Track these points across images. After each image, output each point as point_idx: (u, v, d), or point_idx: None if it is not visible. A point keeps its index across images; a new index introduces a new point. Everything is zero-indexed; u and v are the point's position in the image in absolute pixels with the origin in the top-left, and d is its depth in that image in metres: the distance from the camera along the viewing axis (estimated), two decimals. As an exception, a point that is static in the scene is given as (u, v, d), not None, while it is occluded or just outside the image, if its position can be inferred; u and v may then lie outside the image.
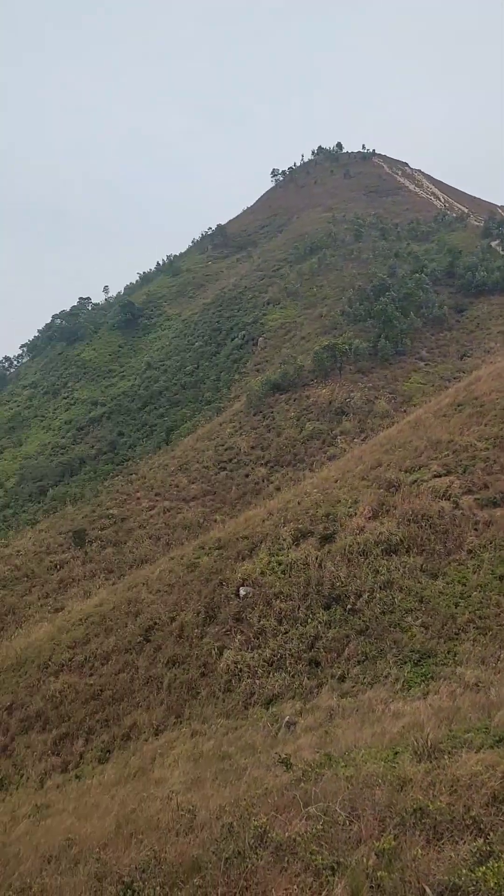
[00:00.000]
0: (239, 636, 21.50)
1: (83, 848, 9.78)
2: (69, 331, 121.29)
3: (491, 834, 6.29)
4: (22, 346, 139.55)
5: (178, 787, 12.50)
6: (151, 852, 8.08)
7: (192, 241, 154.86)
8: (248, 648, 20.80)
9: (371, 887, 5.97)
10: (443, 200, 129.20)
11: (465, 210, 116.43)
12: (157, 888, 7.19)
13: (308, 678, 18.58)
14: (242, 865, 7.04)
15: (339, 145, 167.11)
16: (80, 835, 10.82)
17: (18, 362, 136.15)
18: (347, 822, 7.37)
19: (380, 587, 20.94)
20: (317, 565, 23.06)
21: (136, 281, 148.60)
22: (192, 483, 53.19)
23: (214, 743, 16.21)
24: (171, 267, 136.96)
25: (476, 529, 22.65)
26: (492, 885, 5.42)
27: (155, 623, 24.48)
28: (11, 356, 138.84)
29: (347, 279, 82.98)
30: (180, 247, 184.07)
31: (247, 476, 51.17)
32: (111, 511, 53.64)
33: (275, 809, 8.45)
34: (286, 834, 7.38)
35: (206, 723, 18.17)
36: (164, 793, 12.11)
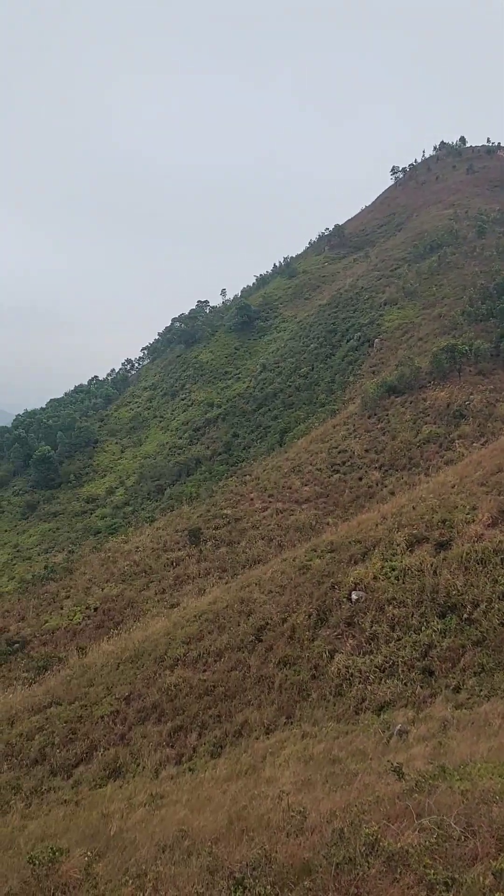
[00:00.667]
0: (350, 640, 21.35)
1: (196, 840, 10.07)
2: (187, 333, 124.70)
3: None
4: (143, 348, 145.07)
5: (288, 788, 12.61)
6: (262, 851, 8.21)
7: (309, 243, 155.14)
8: (359, 653, 20.62)
9: (486, 907, 5.82)
10: None
11: None
12: (268, 887, 7.31)
13: (421, 687, 18.18)
14: (353, 872, 7.04)
15: (463, 139, 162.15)
16: (192, 827, 11.15)
17: (139, 364, 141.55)
18: (462, 838, 7.19)
19: (498, 597, 20.15)
20: (432, 572, 22.52)
21: (253, 283, 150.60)
22: (305, 485, 53.27)
23: (325, 746, 16.19)
24: (287, 269, 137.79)
25: None
26: None
27: (267, 623, 24.75)
28: (133, 358, 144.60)
29: (469, 277, 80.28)
30: (298, 248, 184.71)
31: (360, 479, 50.66)
32: (225, 511, 54.67)
33: (386, 818, 8.37)
34: (398, 844, 7.30)
35: (317, 725, 18.18)
36: (274, 792, 12.25)
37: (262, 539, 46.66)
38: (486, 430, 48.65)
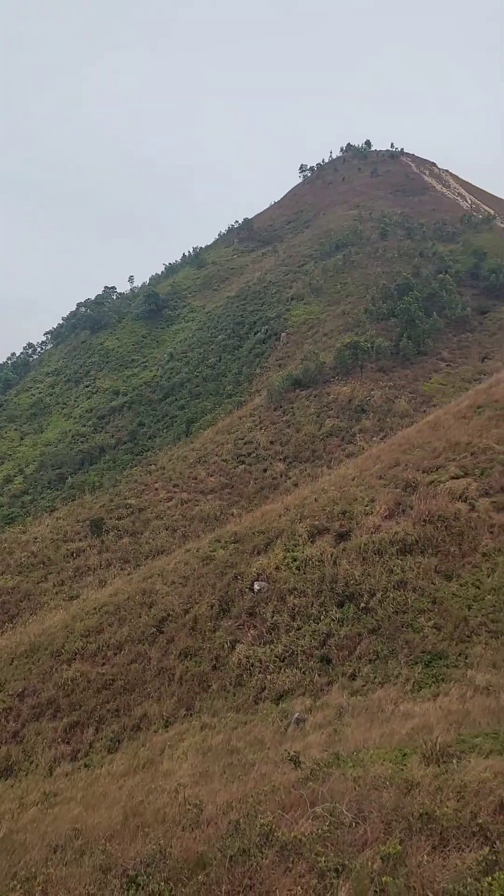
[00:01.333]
0: (252, 631, 21.55)
1: (89, 839, 9.86)
2: (93, 319, 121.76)
3: (497, 843, 6.24)
4: (46, 333, 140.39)
5: (185, 781, 12.57)
6: (157, 846, 8.12)
7: (219, 234, 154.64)
8: (260, 643, 20.85)
9: (375, 892, 5.96)
10: (469, 201, 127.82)
11: (492, 212, 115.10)
12: (162, 883, 7.23)
13: (319, 675, 18.59)
14: (247, 864, 7.06)
15: (368, 143, 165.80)
16: (86, 825, 10.91)
17: (42, 349, 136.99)
18: (353, 824, 7.36)
19: (393, 587, 20.87)
20: (332, 563, 23.04)
21: (162, 272, 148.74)
22: (211, 476, 53.29)
23: (224, 737, 16.27)
24: (196, 259, 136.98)
25: (491, 532, 22.49)
26: None
27: (168, 615, 24.60)
28: (35, 343, 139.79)
29: (372, 277, 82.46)
30: (206, 239, 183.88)
31: (265, 471, 51.18)
32: (129, 501, 53.91)
33: (281, 808, 8.46)
34: (292, 833, 7.38)
35: (217, 716, 18.25)
36: (171, 785, 12.18)
37: (167, 529, 46.36)
38: (385, 425, 50.21)
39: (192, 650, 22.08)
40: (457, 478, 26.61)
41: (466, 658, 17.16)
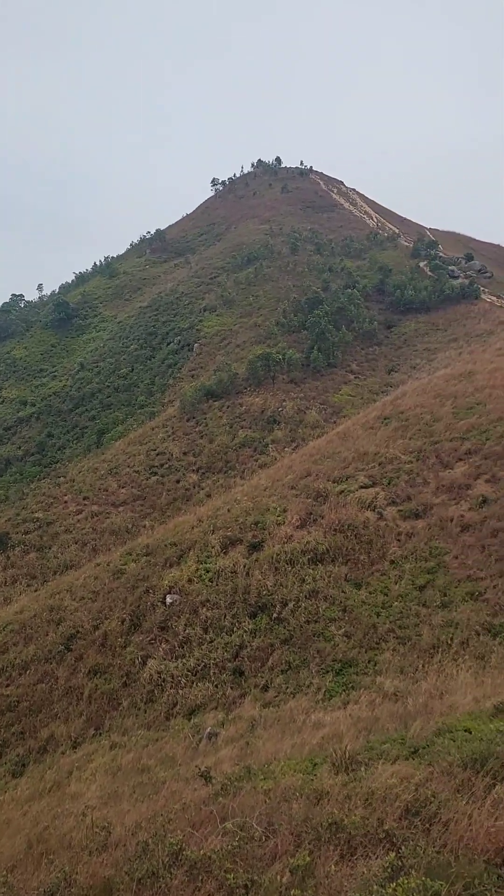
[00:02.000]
0: (164, 645, 21.25)
1: (-10, 870, 9.38)
2: (0, 327, 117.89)
3: (403, 848, 6.33)
4: None
5: (94, 803, 12.20)
6: (62, 873, 7.81)
7: (131, 244, 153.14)
8: (172, 658, 20.57)
9: (283, 906, 5.92)
10: (375, 220, 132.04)
11: (396, 230, 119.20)
12: (66, 912, 6.95)
13: (231, 688, 18.51)
14: (156, 886, 6.89)
15: (279, 160, 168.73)
16: (-13, 855, 10.40)
17: None
18: (263, 838, 7.31)
19: (305, 596, 21.10)
20: (244, 573, 23.06)
21: (72, 281, 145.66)
22: (122, 487, 52.43)
23: (134, 755, 15.92)
24: (108, 268, 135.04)
25: (399, 540, 23.13)
26: (402, 901, 5.44)
27: (77, 631, 23.92)
28: None
29: (283, 291, 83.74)
30: (118, 249, 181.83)
31: (178, 482, 50.82)
32: (36, 515, 52.25)
33: (191, 825, 8.32)
34: (201, 851, 7.26)
35: (127, 734, 17.85)
36: (79, 808, 11.79)
37: (76, 543, 45.19)
38: (296, 436, 50.95)
39: (102, 667, 21.54)
40: (366, 487, 27.28)
41: (375, 665, 17.51)
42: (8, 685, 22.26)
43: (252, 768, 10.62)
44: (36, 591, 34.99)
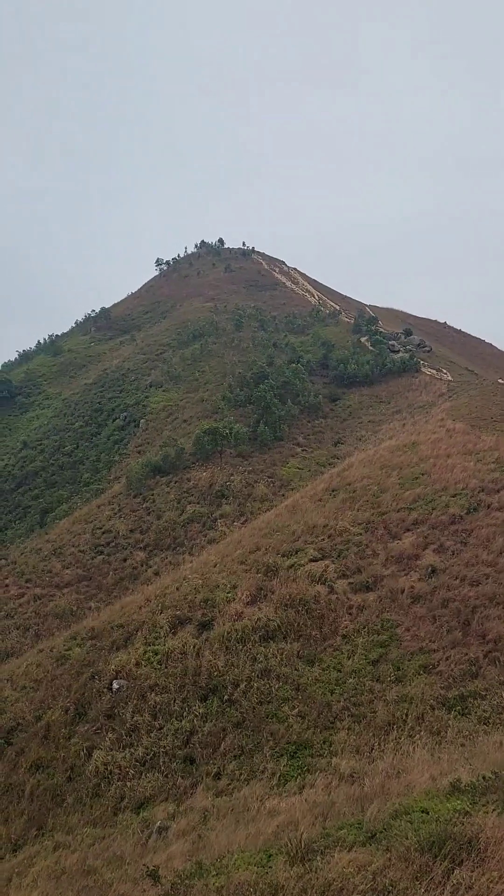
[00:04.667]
0: (110, 734, 20.30)
1: None
2: None
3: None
4: None
5: (34, 914, 11.30)
6: None
7: (76, 322, 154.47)
8: (119, 747, 19.64)
9: None
10: (317, 297, 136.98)
11: (337, 307, 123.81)
12: None
13: (182, 777, 17.72)
14: None
15: (221, 241, 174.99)
16: None
17: None
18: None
19: (257, 675, 20.62)
20: (194, 654, 22.45)
21: (15, 359, 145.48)
22: (67, 568, 51.00)
23: (79, 856, 14.92)
24: (52, 346, 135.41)
25: (350, 613, 23.01)
26: None
27: (18, 724, 22.69)
28: None
29: (228, 366, 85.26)
30: (62, 328, 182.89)
31: (125, 560, 49.77)
32: (-24, 599, 50.16)
33: (139, 934, 7.77)
34: None
35: (71, 833, 16.77)
36: (17, 922, 10.89)
37: (17, 629, 43.37)
38: (245, 510, 50.81)
39: (45, 761, 20.38)
40: (315, 560, 27.23)
41: (331, 745, 17.07)
42: None
43: (204, 864, 10.06)
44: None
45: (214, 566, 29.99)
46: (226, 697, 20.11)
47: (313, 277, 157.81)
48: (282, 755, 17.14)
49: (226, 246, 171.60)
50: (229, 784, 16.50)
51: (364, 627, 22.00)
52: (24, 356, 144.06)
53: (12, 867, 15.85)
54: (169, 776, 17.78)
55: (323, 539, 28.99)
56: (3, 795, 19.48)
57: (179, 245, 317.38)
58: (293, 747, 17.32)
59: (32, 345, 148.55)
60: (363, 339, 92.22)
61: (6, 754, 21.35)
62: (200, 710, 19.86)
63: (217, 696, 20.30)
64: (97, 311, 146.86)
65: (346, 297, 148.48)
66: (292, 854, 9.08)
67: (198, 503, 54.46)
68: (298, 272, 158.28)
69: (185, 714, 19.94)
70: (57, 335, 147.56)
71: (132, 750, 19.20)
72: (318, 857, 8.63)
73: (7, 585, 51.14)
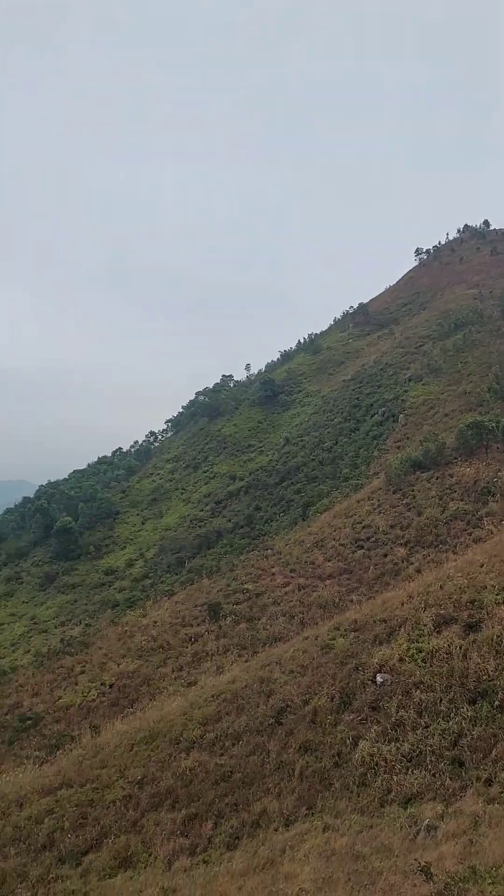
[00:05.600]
0: (375, 726, 20.41)
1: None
2: (211, 407, 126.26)
3: None
4: (167, 421, 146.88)
5: (308, 886, 11.83)
6: None
7: (334, 320, 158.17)
8: (384, 740, 19.66)
9: None
10: None
11: None
12: None
13: (451, 779, 17.19)
14: None
15: (486, 223, 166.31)
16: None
17: (163, 437, 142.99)
18: None
19: (532, 684, 19.27)
20: (461, 655, 21.67)
21: (277, 359, 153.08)
22: (328, 560, 52.42)
23: (348, 840, 15.23)
24: (311, 345, 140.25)
25: None
26: None
27: (287, 705, 23.83)
28: (156, 430, 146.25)
29: (494, 355, 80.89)
30: (321, 326, 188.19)
31: (385, 556, 49.75)
32: (246, 586, 53.79)
33: (415, 927, 7.72)
34: None
35: (340, 817, 17.17)
36: (293, 889, 11.51)
37: (284, 615, 45.62)
38: (514, 509, 47.82)
39: (313, 744, 21.13)
40: None
41: None
42: (222, 755, 22.59)
43: (478, 869, 9.69)
44: (247, 661, 35.66)
45: (481, 566, 28.67)
46: (497, 703, 19.09)
47: None
48: None
49: (491, 227, 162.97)
50: (502, 792, 15.64)
51: None
52: (286, 356, 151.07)
53: (285, 840, 16.71)
54: (436, 775, 17.39)
55: None
56: (276, 772, 20.58)
57: (441, 233, 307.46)
58: None
59: (293, 345, 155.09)
60: None
61: (277, 733, 22.55)
62: (469, 713, 19.11)
63: (487, 701, 19.36)
64: (355, 307, 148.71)
65: None
66: None
67: (461, 500, 52.50)
68: None
69: (452, 715, 19.33)
70: (316, 334, 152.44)
71: (398, 744, 19.10)
72: None
73: (274, 574, 54.07)
